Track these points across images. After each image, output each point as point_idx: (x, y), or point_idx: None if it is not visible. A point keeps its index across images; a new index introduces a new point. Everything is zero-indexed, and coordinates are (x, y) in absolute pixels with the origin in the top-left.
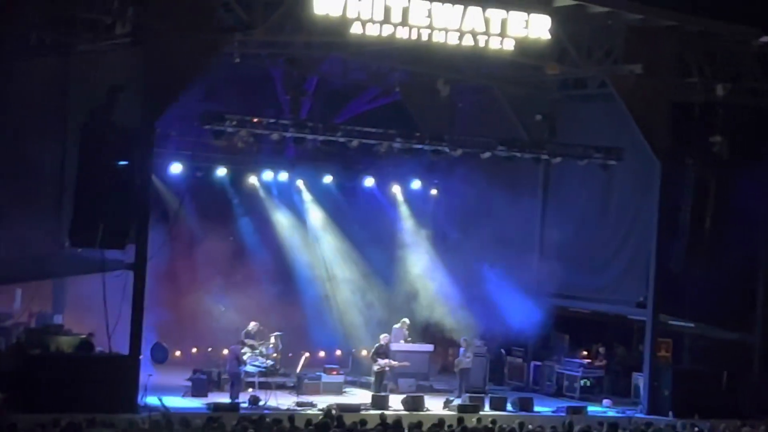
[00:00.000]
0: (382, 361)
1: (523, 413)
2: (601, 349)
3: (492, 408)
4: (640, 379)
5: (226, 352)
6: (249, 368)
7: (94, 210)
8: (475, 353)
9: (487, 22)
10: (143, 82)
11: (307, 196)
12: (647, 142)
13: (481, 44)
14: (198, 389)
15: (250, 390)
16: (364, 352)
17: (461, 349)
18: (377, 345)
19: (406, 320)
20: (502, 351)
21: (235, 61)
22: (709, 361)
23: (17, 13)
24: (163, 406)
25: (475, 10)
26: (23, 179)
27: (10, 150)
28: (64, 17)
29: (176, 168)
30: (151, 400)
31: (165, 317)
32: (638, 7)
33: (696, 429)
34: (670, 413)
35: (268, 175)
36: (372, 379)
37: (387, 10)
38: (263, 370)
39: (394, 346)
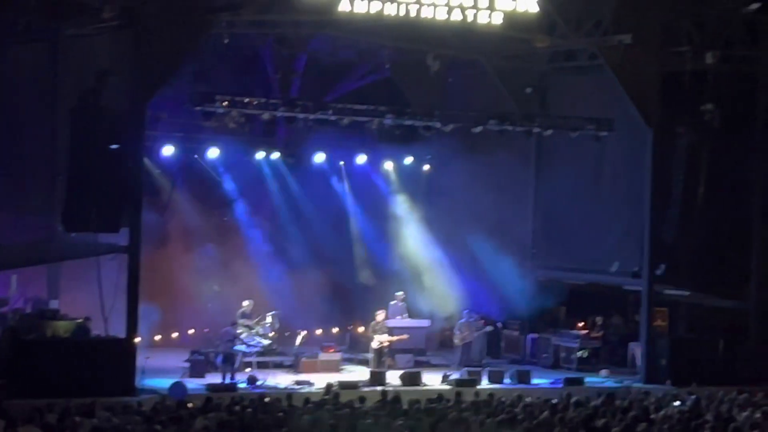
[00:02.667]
0: (379, 338)
1: (521, 386)
2: (598, 320)
3: (490, 381)
4: (636, 349)
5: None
6: (245, 348)
7: (87, 194)
8: (475, 327)
9: None
10: (133, 64)
11: (298, 174)
12: (638, 112)
13: (470, 18)
14: (196, 370)
15: (248, 370)
16: (361, 329)
17: (460, 322)
18: (374, 321)
19: (401, 293)
20: (498, 324)
21: (224, 41)
22: (705, 329)
23: None
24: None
25: None
26: (14, 165)
27: (0, 136)
28: (51, 2)
29: (168, 150)
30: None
31: (161, 299)
32: None
33: (693, 397)
34: (668, 382)
35: (260, 154)
36: (369, 355)
37: None
38: (260, 349)
39: (391, 322)
